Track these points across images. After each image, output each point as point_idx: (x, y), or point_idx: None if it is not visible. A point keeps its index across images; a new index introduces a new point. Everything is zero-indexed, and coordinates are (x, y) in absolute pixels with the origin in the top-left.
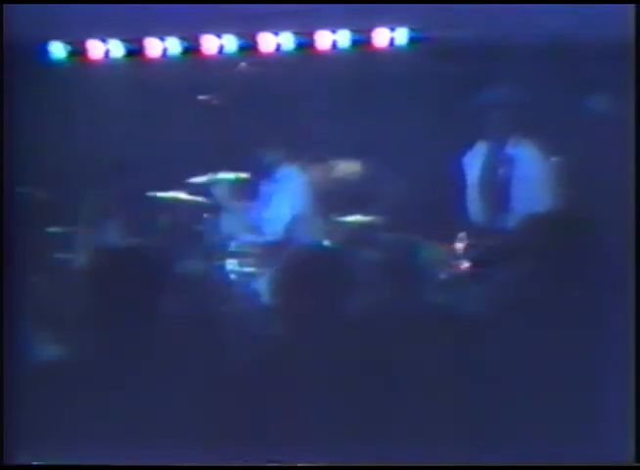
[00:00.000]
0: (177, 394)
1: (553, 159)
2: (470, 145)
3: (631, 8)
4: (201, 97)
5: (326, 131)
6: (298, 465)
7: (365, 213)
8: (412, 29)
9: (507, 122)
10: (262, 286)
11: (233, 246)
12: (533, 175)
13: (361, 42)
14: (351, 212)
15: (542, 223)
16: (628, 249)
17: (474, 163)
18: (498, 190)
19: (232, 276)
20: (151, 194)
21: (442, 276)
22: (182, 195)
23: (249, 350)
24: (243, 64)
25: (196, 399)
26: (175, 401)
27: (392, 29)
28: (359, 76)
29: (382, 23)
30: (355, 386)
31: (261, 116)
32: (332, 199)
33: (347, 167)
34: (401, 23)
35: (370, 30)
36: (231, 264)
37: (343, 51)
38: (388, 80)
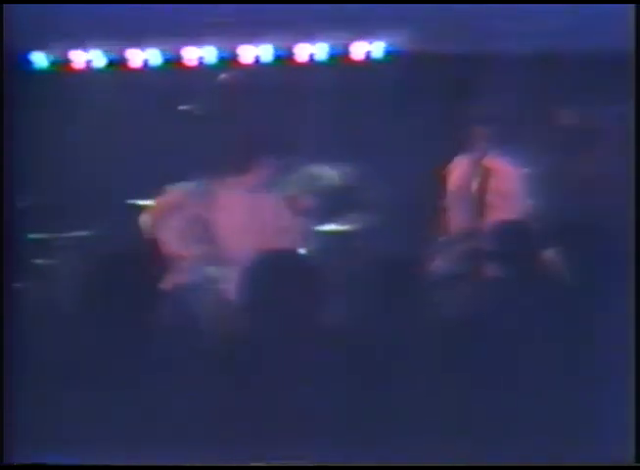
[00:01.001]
0: (176, 393)
1: (546, 164)
2: (450, 156)
3: (631, 8)
4: (181, 107)
5: (304, 141)
6: (299, 465)
7: (342, 223)
8: (389, 43)
9: (491, 134)
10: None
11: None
12: (524, 184)
13: (339, 55)
14: (329, 222)
15: (536, 231)
16: (628, 257)
17: (458, 173)
18: (481, 201)
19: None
20: (130, 201)
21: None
22: None
23: (247, 350)
24: (223, 75)
25: (195, 398)
26: (175, 401)
27: (370, 43)
28: (337, 88)
29: (360, 37)
30: (354, 386)
31: (241, 126)
32: (309, 208)
33: (324, 177)
34: (378, 37)
35: (348, 43)
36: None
37: (321, 63)
38: (364, 92)
